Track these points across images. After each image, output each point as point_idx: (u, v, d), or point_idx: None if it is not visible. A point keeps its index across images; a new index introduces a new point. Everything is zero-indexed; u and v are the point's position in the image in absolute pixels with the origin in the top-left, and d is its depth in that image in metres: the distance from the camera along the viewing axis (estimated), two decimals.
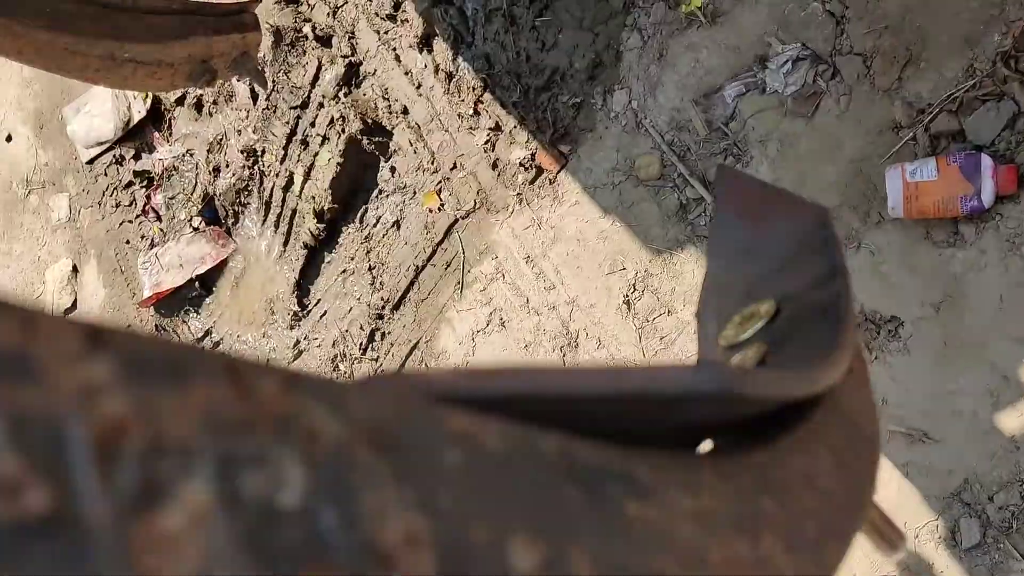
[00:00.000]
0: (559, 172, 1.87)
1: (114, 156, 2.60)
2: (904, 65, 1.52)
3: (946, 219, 1.48)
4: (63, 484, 0.14)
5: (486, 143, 1.96)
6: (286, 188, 2.27)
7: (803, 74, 1.63)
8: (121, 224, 2.61)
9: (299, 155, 2.24)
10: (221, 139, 2.40)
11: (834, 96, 1.60)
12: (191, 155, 2.47)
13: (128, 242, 2.58)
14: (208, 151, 2.42)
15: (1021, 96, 1.42)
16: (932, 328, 1.50)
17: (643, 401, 0.30)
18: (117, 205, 2.61)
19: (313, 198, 2.20)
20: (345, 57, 2.17)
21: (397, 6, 2.10)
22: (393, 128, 2.11)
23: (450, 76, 2.03)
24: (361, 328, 2.13)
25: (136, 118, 2.53)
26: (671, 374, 0.30)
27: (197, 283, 2.43)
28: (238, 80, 2.25)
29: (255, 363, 0.17)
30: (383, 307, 2.10)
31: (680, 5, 1.77)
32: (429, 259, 2.04)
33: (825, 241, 0.55)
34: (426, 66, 2.07)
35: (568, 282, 1.85)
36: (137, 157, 2.58)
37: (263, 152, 2.31)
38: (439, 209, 2.04)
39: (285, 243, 2.29)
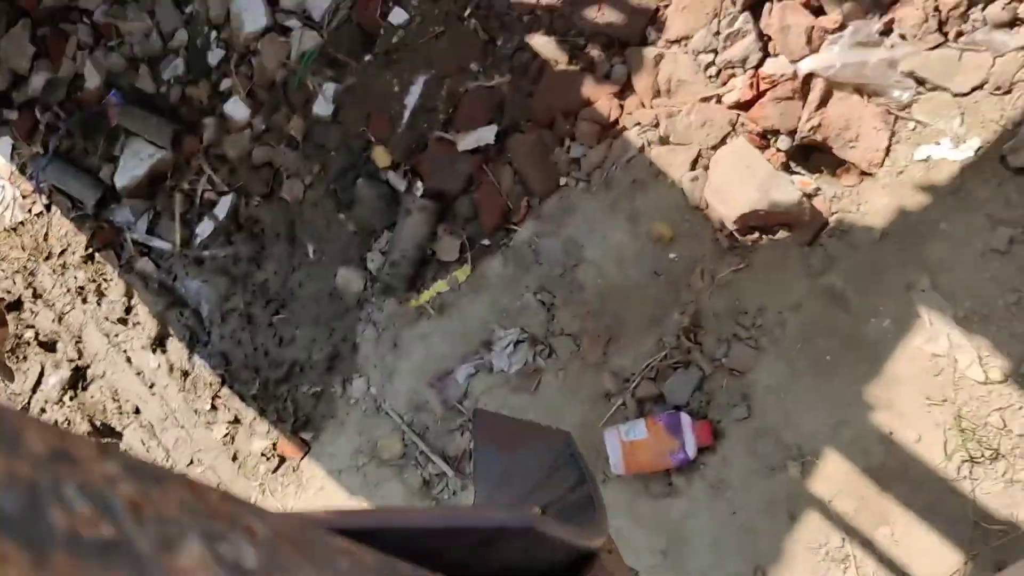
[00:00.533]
0: (302, 459, 1.88)
1: None
2: (607, 342, 1.74)
3: (660, 472, 1.64)
4: (118, 525, 0.20)
5: (225, 436, 1.94)
6: None
7: (524, 354, 1.81)
8: None
9: None
10: None
11: (552, 372, 1.78)
12: None
13: None
14: None
15: (703, 363, 1.67)
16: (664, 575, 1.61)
17: (468, 534, 0.37)
18: None
19: None
20: (71, 361, 2.11)
21: (128, 309, 2.11)
22: (124, 429, 2.04)
23: (186, 374, 2.03)
24: None
25: None
26: (491, 512, 0.38)
27: None
28: None
29: (200, 480, 0.25)
30: None
31: (410, 300, 1.93)
32: None
33: (571, 456, 0.66)
34: (159, 365, 2.06)
35: None
36: None
37: None
38: None
39: None
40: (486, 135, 1.91)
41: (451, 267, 1.91)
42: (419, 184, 1.97)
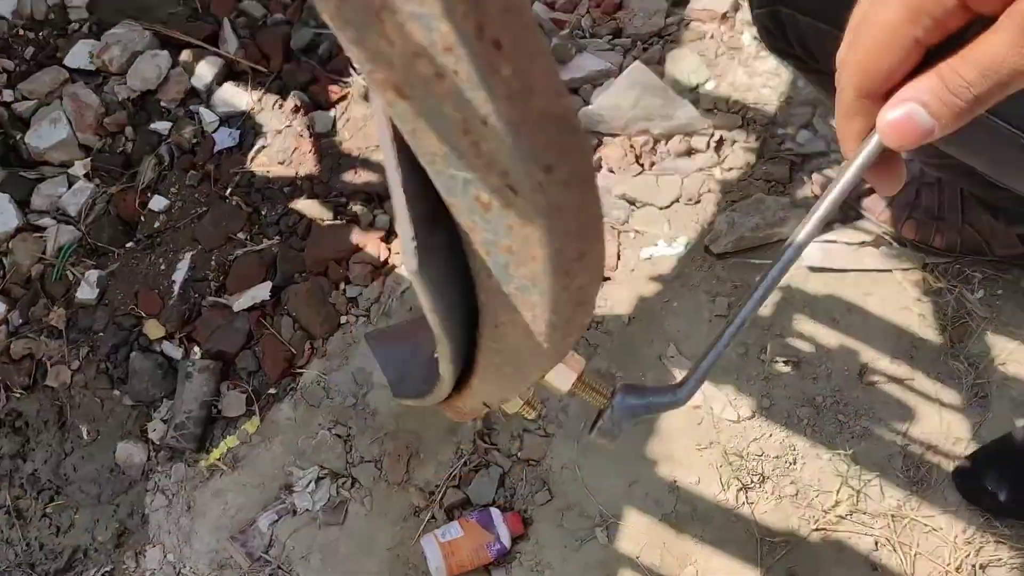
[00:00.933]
0: None
1: None
2: (408, 460, 1.77)
3: (481, 568, 1.65)
4: None
5: None
6: None
7: (326, 490, 1.78)
8: None
9: None
10: None
11: (358, 500, 1.76)
12: None
13: None
14: None
15: (501, 460, 1.74)
16: None
17: None
18: None
19: None
20: None
21: None
22: None
23: None
24: None
25: None
26: None
27: None
28: None
29: None
30: None
31: (200, 461, 1.85)
32: None
33: None
34: None
35: None
36: None
37: None
38: None
39: None
40: (261, 292, 1.95)
41: (239, 421, 1.87)
42: (196, 349, 1.94)
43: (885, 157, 0.49)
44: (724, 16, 2.14)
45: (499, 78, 0.29)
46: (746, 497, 1.61)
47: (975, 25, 0.43)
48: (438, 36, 0.28)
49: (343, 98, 2.16)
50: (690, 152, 1.99)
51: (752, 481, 1.62)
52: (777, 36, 1.30)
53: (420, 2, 0.27)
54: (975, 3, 0.41)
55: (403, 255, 0.39)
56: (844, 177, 0.50)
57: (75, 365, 1.97)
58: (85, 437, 1.90)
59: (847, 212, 1.84)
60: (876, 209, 1.79)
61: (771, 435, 1.65)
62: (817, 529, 1.57)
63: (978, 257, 1.72)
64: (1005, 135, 1.07)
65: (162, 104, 2.24)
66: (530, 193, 0.34)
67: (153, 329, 1.97)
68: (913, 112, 0.44)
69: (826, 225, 1.84)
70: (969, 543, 1.54)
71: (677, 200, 1.94)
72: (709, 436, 1.67)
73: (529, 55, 0.30)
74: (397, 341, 0.79)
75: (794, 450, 1.63)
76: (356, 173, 2.03)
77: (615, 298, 1.83)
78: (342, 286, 1.92)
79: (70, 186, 2.17)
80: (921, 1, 0.42)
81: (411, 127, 0.33)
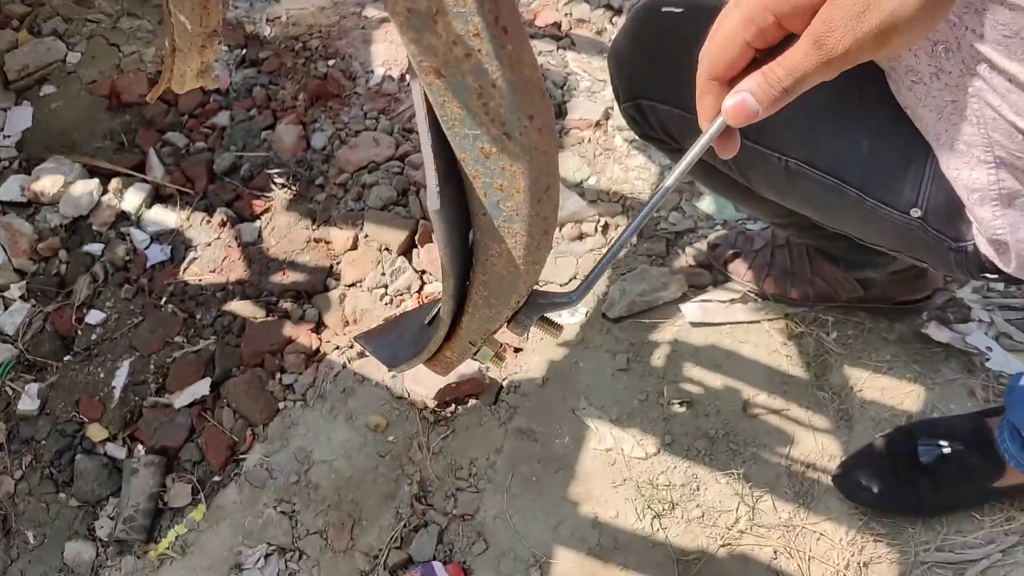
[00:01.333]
0: None
1: None
2: (351, 528, 1.84)
3: None
4: None
5: None
6: None
7: (275, 565, 1.82)
8: None
9: None
10: None
11: (306, 571, 1.81)
12: None
13: None
14: None
15: (438, 518, 1.84)
16: None
17: None
18: None
19: None
20: None
21: None
22: None
23: None
24: None
25: None
26: None
27: None
28: None
29: None
30: None
31: (149, 552, 1.87)
32: None
33: (429, 310, 0.89)
34: None
35: None
36: None
37: None
38: None
39: None
40: (200, 388, 2.02)
41: (186, 510, 1.91)
42: (140, 447, 1.98)
43: (727, 132, 0.68)
44: (598, 123, 2.41)
45: (505, 52, 0.47)
46: (660, 524, 1.76)
47: (792, 39, 0.62)
48: (471, 26, 0.45)
49: (267, 210, 2.31)
50: (581, 236, 2.21)
51: (663, 509, 1.77)
52: (643, 124, 1.54)
53: (462, 3, 0.44)
54: (786, 22, 0.61)
55: (428, 200, 0.55)
56: (698, 144, 0.68)
57: (18, 475, 1.98)
58: (31, 541, 1.89)
59: (717, 277, 2.08)
60: (740, 271, 2.04)
61: (675, 467, 1.82)
62: (723, 545, 1.72)
63: (829, 304, 1.98)
64: (830, 186, 1.32)
65: (94, 228, 2.33)
66: (519, 136, 0.51)
67: (96, 432, 2.01)
68: (746, 99, 0.63)
69: (701, 288, 2.07)
70: (853, 544, 1.72)
71: (574, 277, 2.14)
72: (623, 474, 1.82)
73: (521, 37, 0.48)
74: (382, 335, 0.94)
75: (696, 478, 1.80)
76: (284, 274, 2.16)
77: (530, 364, 2.00)
78: (278, 375, 2.02)
79: (6, 308, 2.21)
80: (751, 16, 0.61)
81: (442, 99, 0.50)
